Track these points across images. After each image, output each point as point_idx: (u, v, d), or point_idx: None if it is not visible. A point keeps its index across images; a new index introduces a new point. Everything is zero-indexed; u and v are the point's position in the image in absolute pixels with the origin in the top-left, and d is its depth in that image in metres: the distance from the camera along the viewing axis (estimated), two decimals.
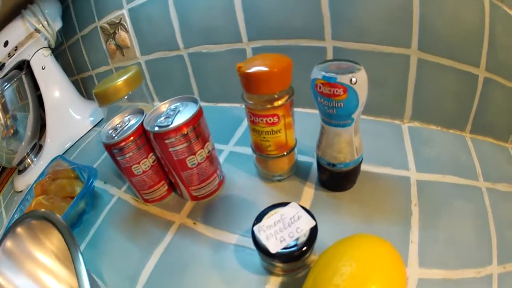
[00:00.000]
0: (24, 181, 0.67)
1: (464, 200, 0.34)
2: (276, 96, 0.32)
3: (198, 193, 0.40)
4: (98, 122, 0.72)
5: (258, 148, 0.38)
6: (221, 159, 0.47)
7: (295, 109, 0.34)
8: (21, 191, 0.67)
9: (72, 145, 0.66)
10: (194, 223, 0.38)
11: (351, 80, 0.26)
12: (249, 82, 0.32)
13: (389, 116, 0.46)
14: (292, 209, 0.28)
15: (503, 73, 0.37)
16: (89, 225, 0.44)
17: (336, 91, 0.27)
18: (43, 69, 0.66)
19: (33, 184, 0.56)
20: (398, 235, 0.31)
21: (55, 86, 0.68)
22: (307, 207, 0.33)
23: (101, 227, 0.43)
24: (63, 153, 0.66)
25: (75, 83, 0.73)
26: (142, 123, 0.36)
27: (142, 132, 0.37)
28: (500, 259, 0.28)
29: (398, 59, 0.40)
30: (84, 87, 0.82)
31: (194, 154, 0.36)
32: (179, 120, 0.34)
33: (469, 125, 0.42)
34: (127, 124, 0.38)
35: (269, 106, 0.33)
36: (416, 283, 0.28)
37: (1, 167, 0.79)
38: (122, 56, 0.65)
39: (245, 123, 0.53)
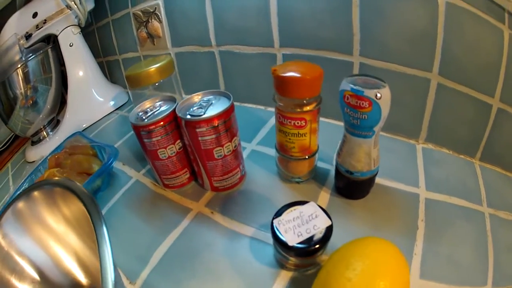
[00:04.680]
0: (37, 152, 0.68)
1: (467, 222, 0.35)
2: (305, 101, 0.34)
3: (219, 185, 0.41)
4: (120, 106, 0.73)
5: (282, 149, 0.39)
6: (244, 155, 0.48)
7: (321, 119, 0.35)
8: (32, 162, 0.68)
9: (91, 125, 0.67)
10: (212, 212, 0.39)
11: (376, 95, 0.29)
12: (282, 85, 0.34)
13: (406, 135, 0.48)
14: (311, 208, 0.29)
15: None
16: (102, 203, 0.44)
17: (362, 103, 0.30)
18: (70, 46, 0.67)
19: (47, 156, 0.57)
20: (403, 246, 0.32)
21: (80, 64, 0.69)
22: None
23: (115, 206, 0.44)
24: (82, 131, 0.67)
25: (100, 65, 0.74)
26: (174, 110, 0.38)
27: (172, 119, 0.38)
28: (495, 281, 0.30)
29: (419, 81, 0.42)
30: (109, 70, 0.84)
31: (222, 146, 0.37)
32: (212, 111, 0.35)
33: (479, 152, 0.43)
34: (158, 109, 0.40)
35: (298, 110, 0.35)
36: None
37: (14, 136, 0.81)
38: (153, 45, 0.67)
39: (269, 125, 0.54)
